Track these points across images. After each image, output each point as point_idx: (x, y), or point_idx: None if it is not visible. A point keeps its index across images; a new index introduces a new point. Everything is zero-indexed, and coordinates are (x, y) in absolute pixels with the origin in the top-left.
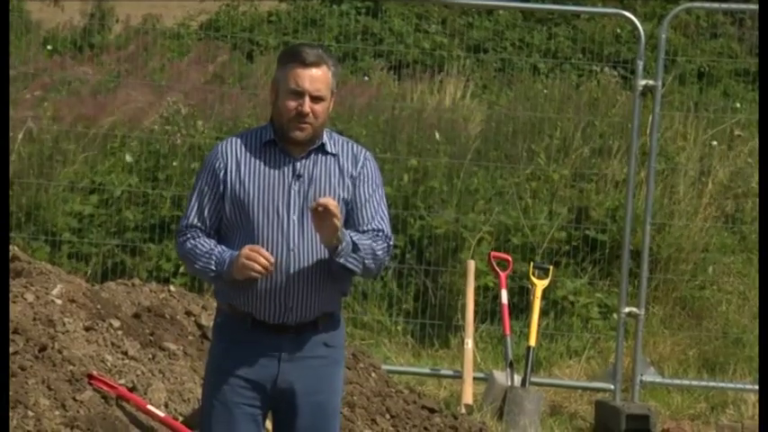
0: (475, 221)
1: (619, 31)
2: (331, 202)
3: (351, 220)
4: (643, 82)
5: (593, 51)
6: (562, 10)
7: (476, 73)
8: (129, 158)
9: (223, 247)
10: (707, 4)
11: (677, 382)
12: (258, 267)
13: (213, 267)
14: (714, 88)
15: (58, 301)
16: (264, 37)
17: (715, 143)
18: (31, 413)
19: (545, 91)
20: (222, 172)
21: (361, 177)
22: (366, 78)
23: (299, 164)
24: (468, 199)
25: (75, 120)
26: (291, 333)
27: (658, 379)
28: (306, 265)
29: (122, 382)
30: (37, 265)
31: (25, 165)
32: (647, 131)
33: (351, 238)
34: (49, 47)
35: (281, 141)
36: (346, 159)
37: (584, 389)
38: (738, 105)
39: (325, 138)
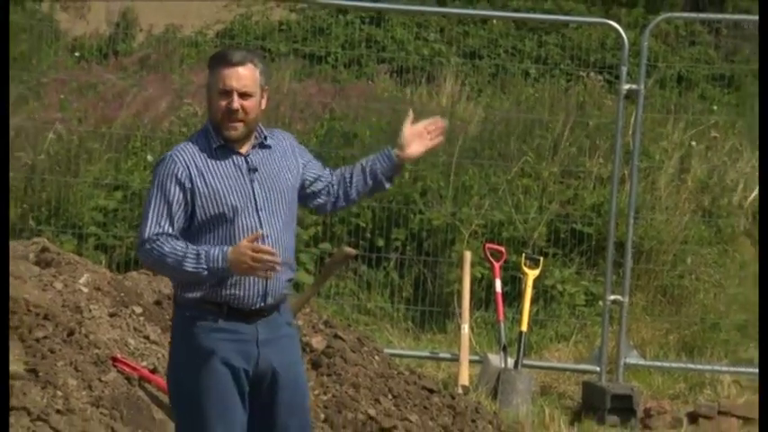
0: (470, 216)
1: (604, 39)
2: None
3: (309, 182)
4: (626, 86)
5: (580, 58)
6: (552, 19)
7: (471, 78)
8: (149, 158)
9: (202, 245)
10: (685, 15)
11: (658, 364)
12: (270, 265)
13: (204, 266)
14: (692, 92)
15: (85, 290)
16: (276, 44)
17: (693, 143)
18: (59, 393)
19: (536, 94)
20: (185, 178)
21: (305, 157)
22: (370, 82)
23: (249, 159)
24: (464, 195)
25: (99, 121)
26: (264, 317)
27: (641, 361)
28: (280, 250)
29: (144, 364)
30: (65, 256)
31: (53, 163)
32: (631, 132)
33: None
34: (76, 54)
35: (225, 142)
36: (281, 147)
37: (572, 371)
38: (715, 108)
39: (264, 132)
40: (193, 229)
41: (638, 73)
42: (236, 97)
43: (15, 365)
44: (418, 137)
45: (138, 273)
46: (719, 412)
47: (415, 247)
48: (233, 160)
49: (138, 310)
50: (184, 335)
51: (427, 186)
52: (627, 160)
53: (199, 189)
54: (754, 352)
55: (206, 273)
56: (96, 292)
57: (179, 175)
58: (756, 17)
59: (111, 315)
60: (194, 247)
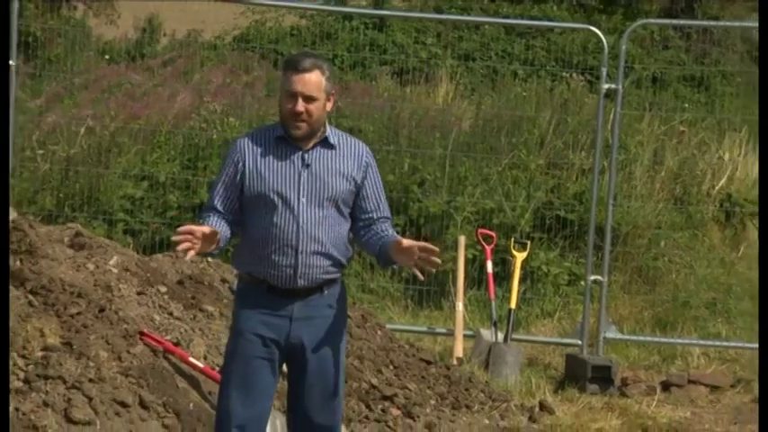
0: (463, 203)
1: (586, 43)
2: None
3: (358, 205)
4: (606, 86)
5: (564, 60)
6: (538, 25)
7: (465, 78)
8: (173, 151)
9: (223, 228)
10: (660, 21)
11: (634, 338)
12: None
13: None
14: (665, 91)
15: (115, 270)
16: (287, 48)
17: (666, 138)
18: (92, 363)
19: (524, 93)
20: (241, 164)
21: (367, 174)
22: (373, 83)
23: (306, 155)
24: (458, 185)
25: (127, 118)
26: (300, 297)
27: (618, 336)
28: (312, 239)
29: (168, 338)
30: (96, 239)
31: (86, 156)
32: (609, 127)
33: (381, 250)
34: (107, 56)
35: (288, 137)
36: (348, 152)
37: (556, 344)
38: (686, 106)
39: (328, 132)
40: (243, 206)
41: (616, 74)
42: (300, 101)
43: (52, 339)
44: (407, 254)
45: (162, 255)
46: (689, 381)
47: (414, 232)
48: (289, 153)
49: (163, 289)
50: (235, 304)
51: (425, 177)
52: (606, 153)
53: (249, 171)
54: (721, 327)
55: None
56: (125, 272)
57: (235, 159)
58: (724, 23)
59: (139, 293)
60: (218, 229)
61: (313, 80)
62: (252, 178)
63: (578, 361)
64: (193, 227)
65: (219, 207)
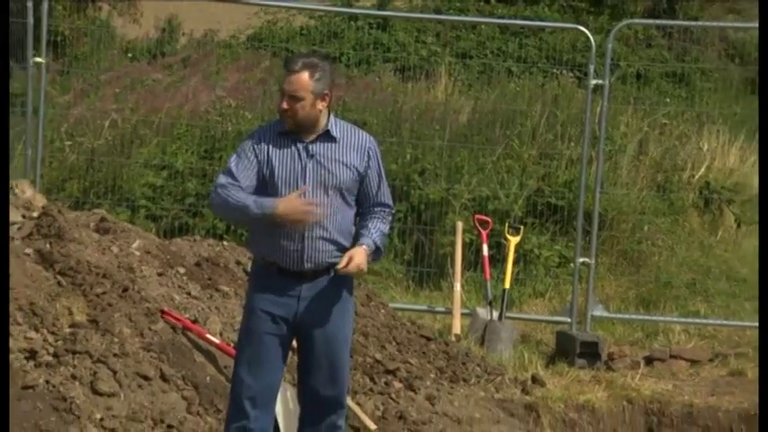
0: (461, 191)
1: (575, 42)
2: (349, 269)
3: (362, 191)
4: (594, 82)
5: (554, 58)
6: (531, 25)
7: (462, 75)
8: (191, 143)
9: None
10: (643, 21)
11: (620, 316)
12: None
13: (255, 210)
14: (649, 87)
15: (137, 253)
16: (297, 47)
17: (649, 130)
18: (116, 339)
19: (517, 89)
20: (257, 147)
21: (370, 164)
22: (377, 79)
23: (310, 146)
24: (456, 173)
25: (148, 111)
26: (308, 279)
27: (605, 314)
28: (317, 225)
29: (187, 316)
30: (120, 224)
31: (110, 147)
32: (597, 120)
33: (373, 241)
34: (129, 54)
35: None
36: (351, 144)
37: (547, 322)
38: (668, 100)
39: (331, 125)
40: (257, 188)
41: (603, 71)
42: (286, 99)
43: (79, 316)
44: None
45: (181, 239)
46: (671, 356)
47: (415, 217)
48: (294, 144)
49: (182, 270)
50: (249, 284)
51: (425, 166)
52: (594, 144)
53: (262, 158)
54: (700, 306)
55: (260, 215)
56: (146, 255)
57: (253, 145)
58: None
59: (159, 274)
60: (253, 196)
61: (300, 81)
62: (263, 164)
63: (568, 337)
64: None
65: (239, 184)
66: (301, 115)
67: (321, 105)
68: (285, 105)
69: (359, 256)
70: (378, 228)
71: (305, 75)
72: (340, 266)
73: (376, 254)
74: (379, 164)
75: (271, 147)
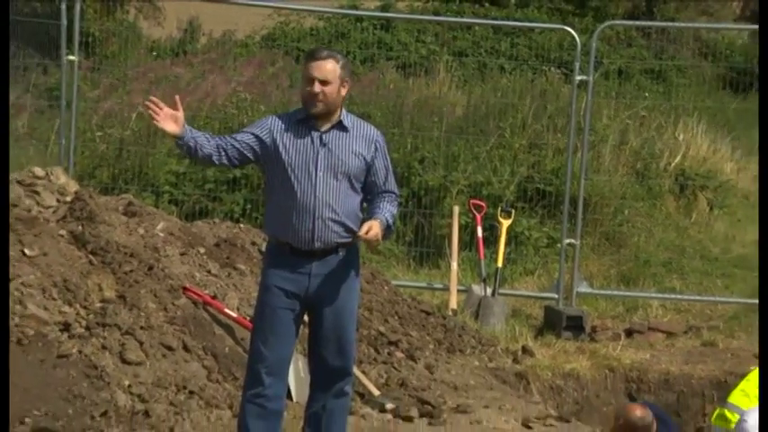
0: (458, 178)
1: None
2: (369, 236)
3: (370, 180)
4: (579, 78)
5: (543, 56)
6: (521, 26)
7: (459, 71)
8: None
9: (200, 137)
10: (624, 22)
11: (602, 292)
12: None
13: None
14: (629, 82)
15: (161, 234)
16: (308, 45)
17: (629, 121)
18: (142, 313)
19: (509, 84)
20: (267, 131)
21: (377, 155)
22: (380, 75)
23: (324, 135)
24: (453, 162)
25: (172, 105)
26: (318, 257)
27: (589, 290)
28: (327, 208)
29: (207, 292)
30: (146, 208)
31: (137, 137)
32: (582, 113)
33: (385, 218)
34: (154, 53)
35: (308, 119)
36: (361, 134)
37: (536, 298)
38: (646, 95)
39: (343, 116)
40: (268, 181)
41: (587, 68)
42: (317, 83)
43: (108, 292)
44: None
45: (201, 222)
46: (649, 328)
47: (415, 202)
48: (309, 133)
49: (202, 250)
50: (264, 262)
51: (424, 155)
52: (579, 135)
53: (271, 143)
54: (675, 282)
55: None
56: (170, 236)
57: (264, 128)
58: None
59: (182, 254)
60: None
61: (328, 67)
62: (277, 153)
63: (555, 312)
64: (160, 102)
65: (227, 145)
66: (331, 99)
67: (344, 91)
68: (317, 89)
69: (377, 227)
70: (388, 209)
71: (332, 61)
72: (361, 233)
73: (387, 230)
74: (385, 155)
75: (289, 134)
